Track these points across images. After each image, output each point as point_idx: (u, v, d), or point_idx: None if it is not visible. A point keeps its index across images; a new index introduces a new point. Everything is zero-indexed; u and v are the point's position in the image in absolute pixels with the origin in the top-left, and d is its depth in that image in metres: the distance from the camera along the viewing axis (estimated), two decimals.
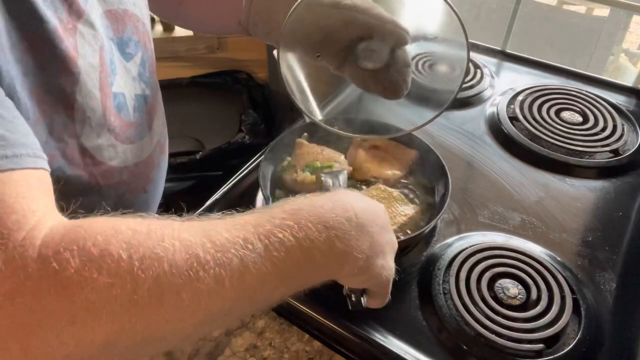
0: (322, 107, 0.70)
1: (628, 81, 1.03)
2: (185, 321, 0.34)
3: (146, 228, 0.34)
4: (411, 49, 0.64)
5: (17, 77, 0.43)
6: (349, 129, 0.70)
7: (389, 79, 0.63)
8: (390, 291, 0.50)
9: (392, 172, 0.74)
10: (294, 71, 0.66)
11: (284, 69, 0.63)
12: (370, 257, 0.44)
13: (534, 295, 0.60)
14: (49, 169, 0.37)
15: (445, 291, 0.61)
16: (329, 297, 0.61)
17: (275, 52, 0.64)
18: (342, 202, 0.43)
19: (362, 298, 0.51)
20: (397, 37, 0.60)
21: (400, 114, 0.70)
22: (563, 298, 0.60)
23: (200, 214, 0.39)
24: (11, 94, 0.41)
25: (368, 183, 0.72)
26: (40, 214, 0.33)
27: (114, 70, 0.55)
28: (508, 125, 0.88)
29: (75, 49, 0.48)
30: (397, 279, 0.51)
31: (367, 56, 0.62)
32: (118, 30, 0.56)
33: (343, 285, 0.49)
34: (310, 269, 0.40)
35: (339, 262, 0.41)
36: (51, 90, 0.47)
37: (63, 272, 0.30)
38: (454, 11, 0.57)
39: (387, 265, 0.47)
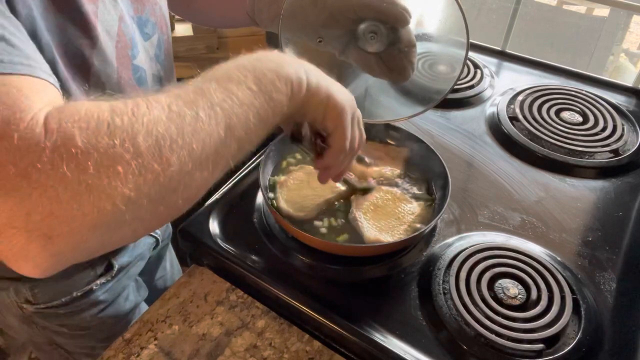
0: None
1: (628, 81, 1.03)
2: (186, 162, 0.37)
3: (121, 100, 0.37)
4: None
5: (40, 29, 0.45)
6: None
7: (393, 61, 0.63)
8: (348, 133, 0.53)
9: (390, 170, 0.74)
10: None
11: (284, 48, 0.63)
12: (316, 86, 0.49)
13: (534, 295, 0.60)
14: (58, 88, 0.39)
15: (445, 291, 0.61)
16: (329, 297, 0.61)
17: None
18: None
19: (307, 136, 0.55)
20: (396, 17, 0.59)
21: (399, 110, 0.70)
22: (563, 298, 0.60)
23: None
24: (33, 35, 0.43)
25: (367, 190, 0.71)
26: (43, 103, 0.35)
27: (135, 45, 0.57)
28: (508, 125, 0.88)
29: (95, 14, 0.49)
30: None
31: (368, 38, 0.62)
32: (138, 10, 0.58)
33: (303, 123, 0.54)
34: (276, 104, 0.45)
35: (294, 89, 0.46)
36: (70, 51, 0.49)
37: (70, 142, 0.32)
38: (461, 10, 0.57)
39: (346, 101, 0.52)
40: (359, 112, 0.56)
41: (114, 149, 0.33)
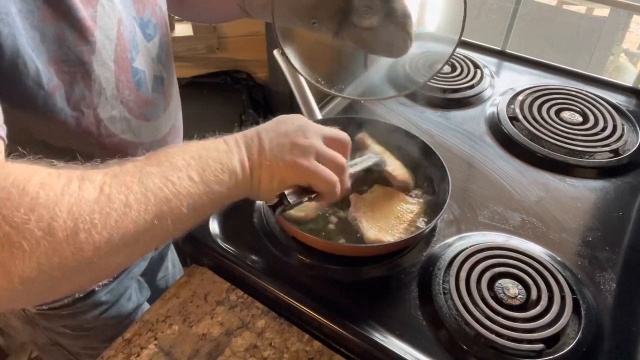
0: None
1: (628, 81, 1.03)
2: (101, 249, 0.36)
3: (56, 172, 0.36)
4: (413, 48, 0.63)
5: (32, 43, 0.44)
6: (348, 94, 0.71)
7: (390, 34, 0.62)
8: (324, 177, 0.52)
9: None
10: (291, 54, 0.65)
11: (280, 38, 0.62)
12: (267, 158, 0.49)
13: (534, 295, 0.60)
14: (4, 139, 0.39)
15: (445, 291, 0.61)
16: (329, 297, 0.61)
17: (275, 51, 0.64)
18: (225, 139, 0.49)
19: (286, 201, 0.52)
20: None
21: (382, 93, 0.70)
22: (563, 298, 0.60)
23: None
24: (14, 58, 0.43)
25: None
26: None
27: (135, 47, 0.57)
28: (508, 125, 0.88)
29: (93, 19, 0.49)
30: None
31: (362, 12, 0.61)
32: (139, 11, 0.58)
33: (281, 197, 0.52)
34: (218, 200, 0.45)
35: (236, 179, 0.47)
36: (71, 59, 0.49)
37: None
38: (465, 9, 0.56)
39: (293, 153, 0.50)
40: (326, 133, 0.54)
41: (27, 226, 0.32)
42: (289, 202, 0.51)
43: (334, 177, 0.52)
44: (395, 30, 0.61)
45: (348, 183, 0.56)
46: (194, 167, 0.43)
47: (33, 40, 0.44)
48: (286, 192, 0.51)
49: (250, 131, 0.51)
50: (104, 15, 0.51)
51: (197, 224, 0.45)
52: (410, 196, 0.71)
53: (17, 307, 0.36)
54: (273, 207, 0.52)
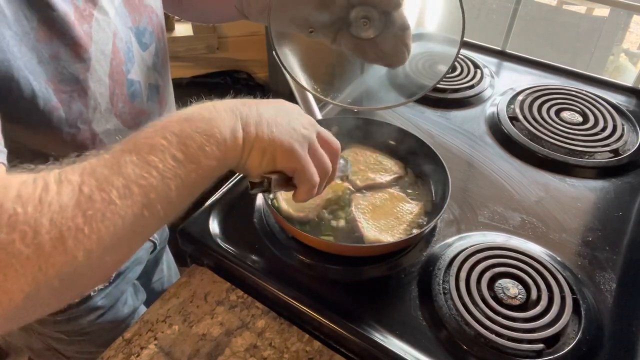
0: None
1: (628, 81, 1.03)
2: (93, 251, 0.35)
3: (32, 178, 0.35)
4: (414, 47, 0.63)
5: (29, 65, 0.44)
6: (346, 104, 0.71)
7: (388, 45, 0.61)
8: (304, 168, 0.49)
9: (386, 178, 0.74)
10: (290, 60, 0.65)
11: (275, 45, 0.62)
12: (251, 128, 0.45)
13: (534, 295, 0.60)
14: (5, 164, 0.38)
15: (445, 291, 0.61)
16: (329, 297, 0.61)
17: (275, 52, 0.64)
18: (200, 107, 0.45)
19: (270, 183, 0.49)
20: (388, 0, 0.58)
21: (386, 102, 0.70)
22: (563, 298, 0.60)
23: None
24: (8, 82, 0.43)
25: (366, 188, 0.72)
26: None
27: (131, 58, 0.56)
28: (508, 125, 0.88)
29: (89, 35, 0.49)
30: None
31: (361, 24, 0.60)
32: (135, 20, 0.57)
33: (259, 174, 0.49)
34: (203, 170, 0.42)
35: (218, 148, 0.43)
36: (67, 78, 0.48)
37: None
38: (462, 9, 0.56)
39: (291, 136, 0.47)
40: (320, 131, 0.52)
41: (12, 245, 0.31)
42: (270, 189, 0.49)
43: (317, 180, 0.50)
44: (394, 42, 0.61)
45: (322, 191, 0.54)
46: (176, 145, 0.40)
47: (30, 62, 0.44)
48: (273, 178, 0.48)
49: (249, 100, 0.48)
50: (98, 31, 0.50)
51: (192, 202, 0.42)
52: (410, 196, 0.71)
53: (30, 321, 0.35)
54: (252, 184, 0.50)
